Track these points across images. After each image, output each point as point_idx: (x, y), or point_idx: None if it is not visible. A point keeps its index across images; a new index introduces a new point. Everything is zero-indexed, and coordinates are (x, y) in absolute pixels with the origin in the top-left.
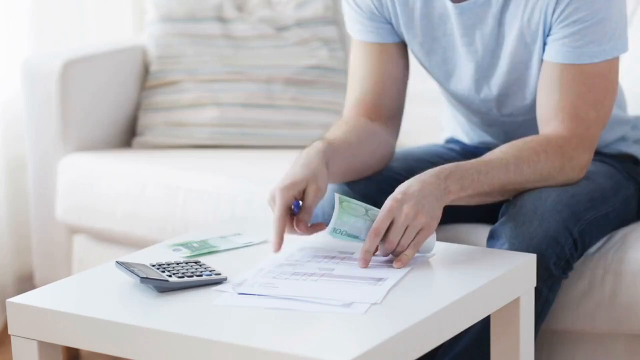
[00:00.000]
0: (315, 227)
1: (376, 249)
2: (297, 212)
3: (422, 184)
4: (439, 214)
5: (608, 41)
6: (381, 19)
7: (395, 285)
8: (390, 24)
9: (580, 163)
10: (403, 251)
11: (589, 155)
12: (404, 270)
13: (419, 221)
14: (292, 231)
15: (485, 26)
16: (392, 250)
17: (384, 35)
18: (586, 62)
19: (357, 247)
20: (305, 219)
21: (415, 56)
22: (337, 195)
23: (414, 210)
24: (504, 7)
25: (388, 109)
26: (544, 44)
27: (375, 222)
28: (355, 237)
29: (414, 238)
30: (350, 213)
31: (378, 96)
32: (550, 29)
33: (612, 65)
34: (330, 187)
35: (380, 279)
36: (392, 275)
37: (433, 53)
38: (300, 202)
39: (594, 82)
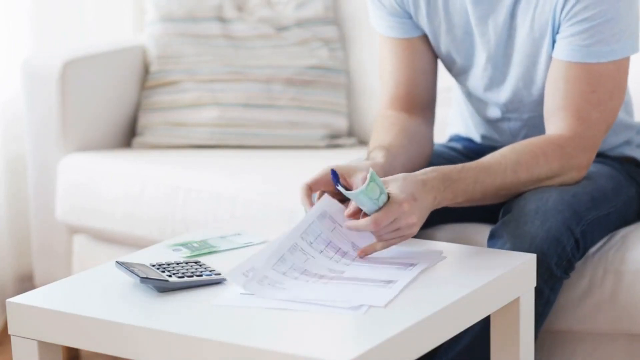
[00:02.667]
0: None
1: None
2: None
3: (433, 194)
4: (423, 220)
5: (617, 41)
6: (403, 14)
7: (405, 287)
8: (411, 18)
9: (580, 163)
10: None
11: (590, 155)
12: (414, 273)
13: (411, 231)
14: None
15: (499, 16)
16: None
17: (408, 30)
18: (593, 62)
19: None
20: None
21: (439, 48)
22: (370, 172)
23: (413, 221)
24: None
25: (422, 100)
26: (553, 41)
27: (381, 213)
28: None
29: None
30: (369, 195)
31: (411, 89)
32: (559, 27)
33: (620, 66)
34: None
35: (390, 282)
36: (402, 277)
37: (459, 40)
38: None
39: (600, 82)
